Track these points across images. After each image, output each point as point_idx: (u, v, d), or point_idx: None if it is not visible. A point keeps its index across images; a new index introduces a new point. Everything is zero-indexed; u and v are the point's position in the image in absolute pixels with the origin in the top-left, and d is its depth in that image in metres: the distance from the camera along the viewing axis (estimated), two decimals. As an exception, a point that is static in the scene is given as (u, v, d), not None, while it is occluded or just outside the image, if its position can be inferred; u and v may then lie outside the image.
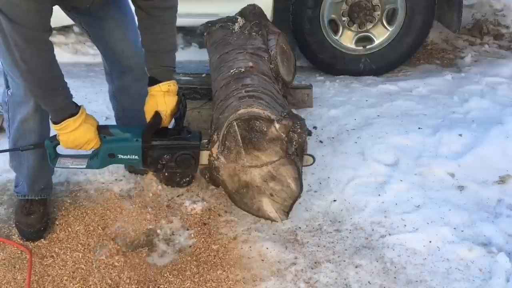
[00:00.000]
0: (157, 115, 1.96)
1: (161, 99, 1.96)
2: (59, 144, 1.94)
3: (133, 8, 1.98)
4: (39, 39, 1.68)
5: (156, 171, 2.07)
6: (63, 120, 1.83)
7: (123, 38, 2.11)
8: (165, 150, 1.98)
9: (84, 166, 2.04)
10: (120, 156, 1.99)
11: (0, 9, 1.59)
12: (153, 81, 1.97)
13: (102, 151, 1.98)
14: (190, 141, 2.01)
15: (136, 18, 1.96)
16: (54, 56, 1.76)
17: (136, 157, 1.99)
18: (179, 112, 2.00)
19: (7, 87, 2.01)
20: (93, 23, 2.09)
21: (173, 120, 2.03)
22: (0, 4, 1.58)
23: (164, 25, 1.93)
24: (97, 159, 2.01)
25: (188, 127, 2.07)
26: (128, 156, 2.00)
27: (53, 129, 1.91)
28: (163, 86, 1.95)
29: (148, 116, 1.98)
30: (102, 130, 1.96)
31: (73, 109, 1.85)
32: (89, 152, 2.01)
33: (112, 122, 2.53)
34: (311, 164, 2.15)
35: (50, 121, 1.90)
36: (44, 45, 1.71)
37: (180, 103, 2.01)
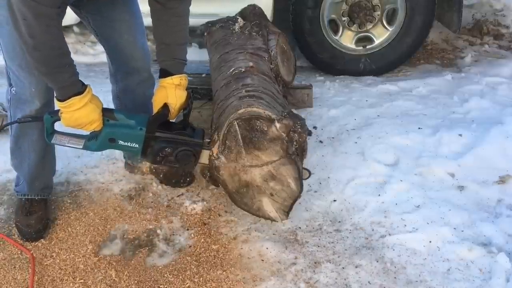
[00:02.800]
0: (165, 107, 1.94)
1: (172, 92, 1.95)
2: (59, 120, 1.89)
3: (141, 4, 1.97)
4: (48, 15, 1.64)
5: (154, 163, 2.04)
6: (68, 98, 1.78)
7: (133, 40, 2.11)
8: (167, 144, 1.96)
9: (81, 147, 2.00)
10: (121, 142, 1.96)
11: None
12: (165, 73, 1.96)
13: (103, 135, 1.94)
14: (194, 138, 2.00)
15: (149, 10, 1.93)
16: (62, 33, 1.73)
17: (137, 145, 1.96)
18: (188, 108, 1.99)
19: (10, 85, 2.00)
20: (102, 23, 2.09)
21: (179, 115, 2.02)
22: None
23: (179, 17, 1.93)
24: (96, 142, 1.97)
25: (192, 124, 2.06)
26: (129, 144, 1.96)
27: (57, 106, 1.85)
28: (175, 79, 1.95)
29: (156, 107, 1.96)
30: (106, 113, 1.92)
31: (79, 88, 1.80)
32: (87, 133, 1.96)
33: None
34: (307, 178, 2.15)
35: (55, 98, 1.86)
36: (52, 21, 1.67)
37: (190, 99, 2.00)
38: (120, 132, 1.94)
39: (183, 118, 1.99)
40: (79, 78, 1.82)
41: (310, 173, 2.15)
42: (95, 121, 1.87)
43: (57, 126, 1.97)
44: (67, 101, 1.78)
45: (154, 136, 1.95)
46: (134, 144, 1.96)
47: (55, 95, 1.84)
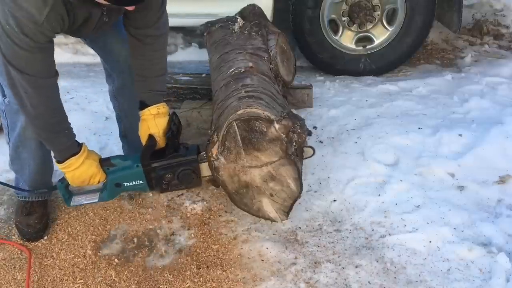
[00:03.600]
0: (151, 138, 2.03)
1: (152, 122, 2.03)
2: (69, 184, 2.02)
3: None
4: (47, 85, 1.75)
5: (163, 192, 2.14)
6: (66, 159, 1.91)
7: (119, 39, 2.11)
8: (166, 170, 2.04)
9: (97, 200, 2.12)
10: (126, 184, 2.07)
11: (9, 61, 1.65)
12: (143, 105, 2.03)
13: (109, 183, 2.06)
14: (187, 156, 2.06)
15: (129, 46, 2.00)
16: (60, 100, 1.84)
17: (141, 181, 2.06)
18: (170, 131, 2.06)
19: (3, 95, 2.02)
20: None
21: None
22: (8, 57, 1.64)
23: (155, 52, 1.98)
24: (106, 191, 2.09)
25: (185, 142, 2.14)
26: (134, 183, 2.07)
27: (57, 168, 1.98)
28: (152, 109, 2.03)
29: (143, 140, 2.05)
30: (104, 162, 2.04)
31: (76, 148, 1.93)
32: (100, 185, 2.08)
33: (112, 122, 2.53)
34: (311, 156, 2.14)
35: (54, 159, 1.99)
36: (52, 90, 1.78)
37: (172, 122, 2.07)
38: (122, 175, 2.06)
39: (169, 141, 2.06)
40: (76, 140, 1.94)
41: (314, 151, 2.14)
42: (96, 174, 2.00)
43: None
44: (66, 162, 1.92)
45: (151, 167, 2.04)
46: (138, 181, 2.07)
47: (53, 155, 1.97)
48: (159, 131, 2.04)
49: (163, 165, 2.04)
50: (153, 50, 1.97)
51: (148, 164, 2.03)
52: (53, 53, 1.75)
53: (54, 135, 1.87)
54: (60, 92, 1.85)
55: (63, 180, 2.06)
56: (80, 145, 1.96)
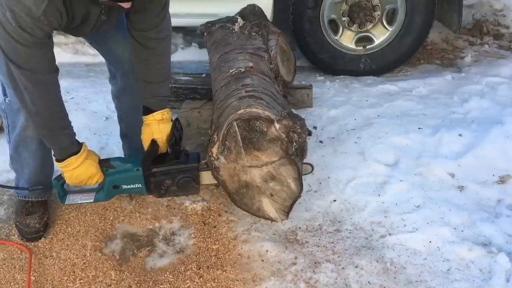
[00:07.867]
0: (154, 143, 2.03)
1: (156, 128, 2.03)
2: (65, 182, 2.01)
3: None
4: (47, 81, 1.74)
5: (161, 197, 2.15)
6: (66, 158, 1.90)
7: (123, 40, 2.11)
8: (166, 176, 2.05)
9: (92, 200, 2.12)
10: (124, 186, 2.07)
11: (8, 56, 1.64)
12: (147, 111, 2.04)
13: (107, 184, 2.05)
14: (188, 164, 2.07)
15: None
16: (60, 96, 1.83)
17: (140, 185, 2.06)
18: (173, 138, 2.06)
19: (4, 95, 2.02)
20: None
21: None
22: (7, 52, 1.64)
23: (158, 56, 1.98)
24: (103, 192, 2.08)
25: (186, 149, 2.15)
26: (132, 186, 2.07)
27: (57, 166, 1.98)
28: (157, 115, 2.03)
29: (146, 144, 2.05)
30: (103, 163, 2.03)
31: (76, 148, 1.92)
32: (96, 186, 2.07)
33: (112, 122, 2.53)
34: (310, 173, 2.16)
35: (53, 157, 1.98)
36: (52, 87, 1.78)
37: (175, 128, 2.08)
38: (120, 178, 2.06)
39: (172, 148, 2.07)
40: (76, 139, 1.94)
41: (313, 168, 2.15)
42: (94, 175, 1.99)
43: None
44: (65, 161, 1.91)
45: (152, 172, 2.05)
46: (136, 184, 2.07)
47: (53, 154, 1.96)
48: (163, 136, 2.04)
49: (164, 171, 2.05)
50: (156, 54, 1.96)
51: (149, 169, 2.04)
52: (52, 49, 1.74)
53: (54, 133, 1.86)
54: (60, 91, 1.84)
55: (59, 177, 2.05)
56: (80, 145, 1.95)
